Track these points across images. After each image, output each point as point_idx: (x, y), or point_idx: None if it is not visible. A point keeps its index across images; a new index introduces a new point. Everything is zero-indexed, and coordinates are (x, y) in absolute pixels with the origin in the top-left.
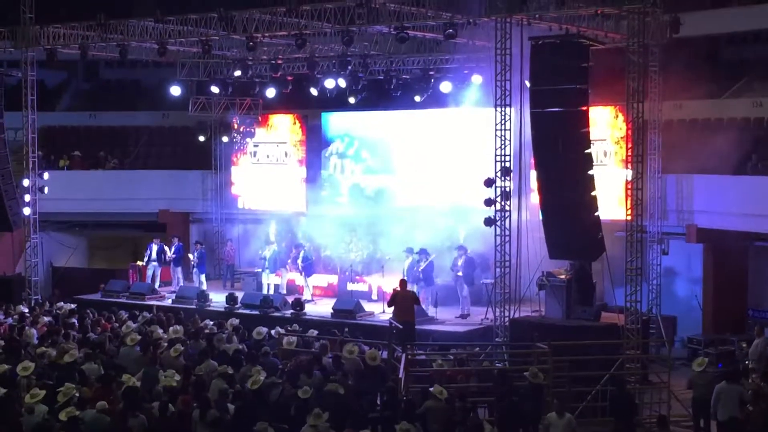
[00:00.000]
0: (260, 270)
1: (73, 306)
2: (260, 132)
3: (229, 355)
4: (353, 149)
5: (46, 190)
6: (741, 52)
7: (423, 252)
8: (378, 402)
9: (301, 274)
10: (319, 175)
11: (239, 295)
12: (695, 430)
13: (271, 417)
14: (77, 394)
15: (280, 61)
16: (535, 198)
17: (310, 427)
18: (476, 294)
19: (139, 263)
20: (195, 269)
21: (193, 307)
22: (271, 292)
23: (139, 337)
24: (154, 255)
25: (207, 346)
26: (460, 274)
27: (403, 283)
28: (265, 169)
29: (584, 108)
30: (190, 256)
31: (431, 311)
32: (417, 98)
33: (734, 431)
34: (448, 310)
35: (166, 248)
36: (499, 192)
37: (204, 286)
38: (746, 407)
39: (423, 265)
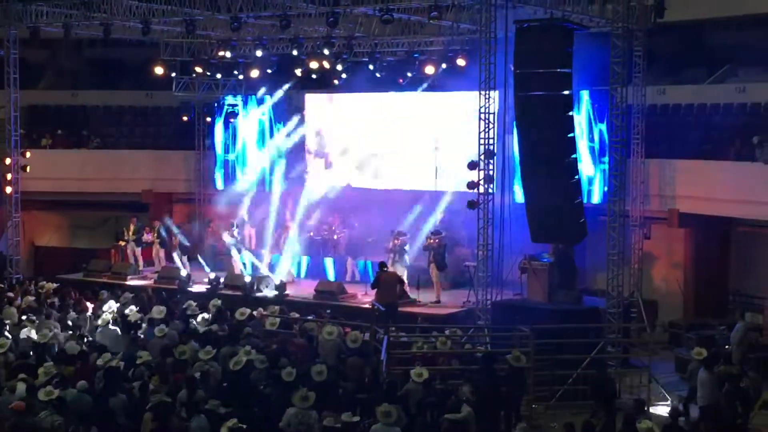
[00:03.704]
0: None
1: (55, 285)
2: (245, 112)
3: (210, 335)
4: (334, 131)
5: (28, 168)
6: (725, 37)
7: (399, 233)
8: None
9: (282, 255)
10: (302, 155)
11: (222, 275)
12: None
13: (252, 398)
14: (56, 371)
15: (264, 42)
16: (518, 181)
17: (295, 408)
18: (459, 276)
19: (121, 243)
20: (177, 249)
21: (176, 287)
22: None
23: (109, 317)
24: (132, 235)
25: (186, 326)
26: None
27: (382, 264)
28: (249, 149)
29: (568, 92)
30: (174, 236)
31: (413, 293)
32: (401, 80)
33: (711, 417)
34: (431, 293)
35: (148, 228)
36: (482, 175)
37: (187, 267)
38: (725, 391)
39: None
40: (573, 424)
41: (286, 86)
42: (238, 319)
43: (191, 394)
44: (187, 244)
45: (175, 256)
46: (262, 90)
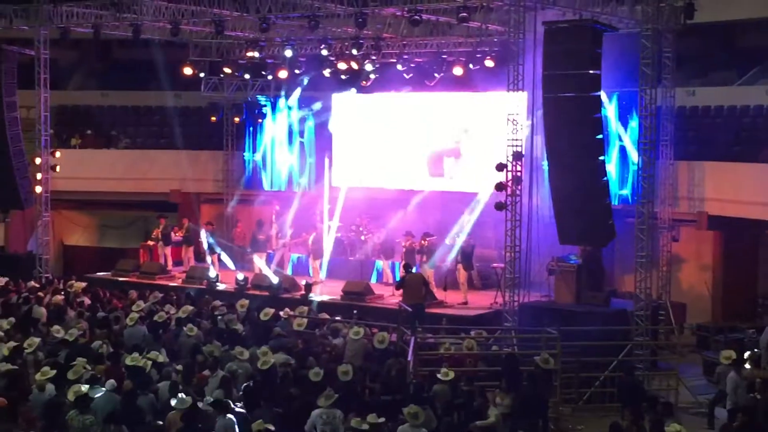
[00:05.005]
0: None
1: (84, 284)
2: (272, 112)
3: (237, 335)
4: (362, 131)
5: (58, 168)
6: (756, 39)
7: (426, 233)
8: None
9: (309, 256)
10: (330, 156)
11: (249, 276)
12: (708, 420)
13: (278, 398)
14: (90, 370)
15: (293, 43)
16: (546, 183)
17: (320, 409)
18: (486, 278)
19: (150, 243)
20: (207, 250)
21: (204, 287)
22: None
23: (137, 316)
24: (160, 234)
25: (214, 326)
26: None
27: (406, 266)
28: (277, 149)
29: (597, 93)
30: (203, 236)
31: (441, 294)
32: (429, 82)
33: (737, 420)
34: (459, 294)
35: (177, 227)
36: (510, 177)
37: (215, 267)
38: (754, 395)
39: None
40: None
41: (315, 86)
42: (262, 319)
43: (227, 394)
44: (215, 243)
45: (206, 255)
46: (292, 91)
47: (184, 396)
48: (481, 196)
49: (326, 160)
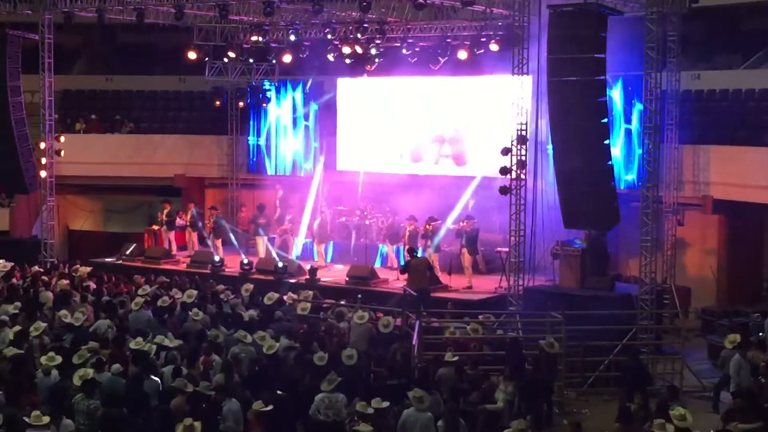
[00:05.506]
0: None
1: (89, 269)
2: (276, 97)
3: (242, 319)
4: (366, 115)
5: (62, 153)
6: (761, 22)
7: (431, 218)
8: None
9: (313, 240)
10: (334, 140)
11: (254, 260)
12: (714, 404)
13: (284, 382)
14: (95, 356)
15: (297, 27)
16: (551, 167)
17: (323, 393)
18: (491, 262)
19: (155, 227)
20: (211, 235)
21: (208, 271)
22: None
23: (142, 301)
24: (165, 219)
25: (219, 310)
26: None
27: (411, 250)
28: (281, 134)
29: (601, 77)
30: (193, 214)
31: (445, 279)
32: (433, 66)
33: (743, 403)
34: (463, 278)
35: (181, 212)
36: (515, 160)
37: (219, 251)
38: (758, 379)
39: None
40: (580, 423)
41: (321, 71)
42: (266, 304)
43: (228, 378)
44: (220, 228)
45: (208, 240)
46: (295, 75)
47: (186, 381)
48: (485, 180)
49: (324, 146)
